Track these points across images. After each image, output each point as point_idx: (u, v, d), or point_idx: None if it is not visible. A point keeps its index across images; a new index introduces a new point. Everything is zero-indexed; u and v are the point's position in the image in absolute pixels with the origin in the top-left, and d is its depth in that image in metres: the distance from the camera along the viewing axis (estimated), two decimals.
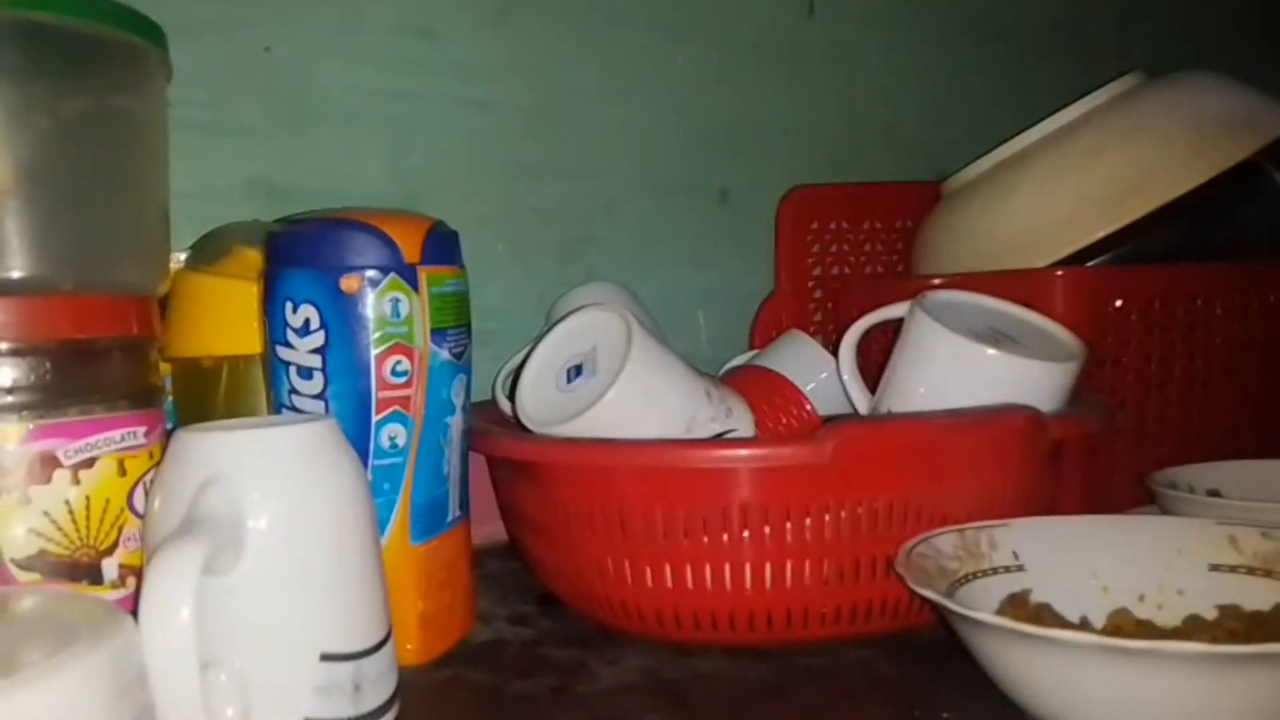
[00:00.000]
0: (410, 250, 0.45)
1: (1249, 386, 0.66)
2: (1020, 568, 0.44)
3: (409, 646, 0.46)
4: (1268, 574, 0.42)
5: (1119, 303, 0.62)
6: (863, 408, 0.57)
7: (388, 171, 0.69)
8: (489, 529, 0.62)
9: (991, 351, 0.48)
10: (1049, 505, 0.51)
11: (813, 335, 0.78)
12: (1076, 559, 0.44)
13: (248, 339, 0.52)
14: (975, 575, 0.44)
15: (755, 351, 0.71)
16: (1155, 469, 0.58)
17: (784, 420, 0.55)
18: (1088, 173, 0.62)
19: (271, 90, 0.65)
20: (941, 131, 0.87)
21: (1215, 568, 0.44)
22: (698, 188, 0.80)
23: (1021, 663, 0.36)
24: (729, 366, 0.70)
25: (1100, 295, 0.61)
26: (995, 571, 0.44)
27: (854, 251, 0.83)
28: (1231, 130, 0.64)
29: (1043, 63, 0.92)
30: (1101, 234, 0.61)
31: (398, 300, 0.45)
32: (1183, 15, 1.01)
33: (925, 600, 0.39)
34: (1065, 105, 0.68)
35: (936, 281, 0.66)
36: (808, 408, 0.56)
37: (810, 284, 0.81)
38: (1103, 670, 0.33)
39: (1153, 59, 0.96)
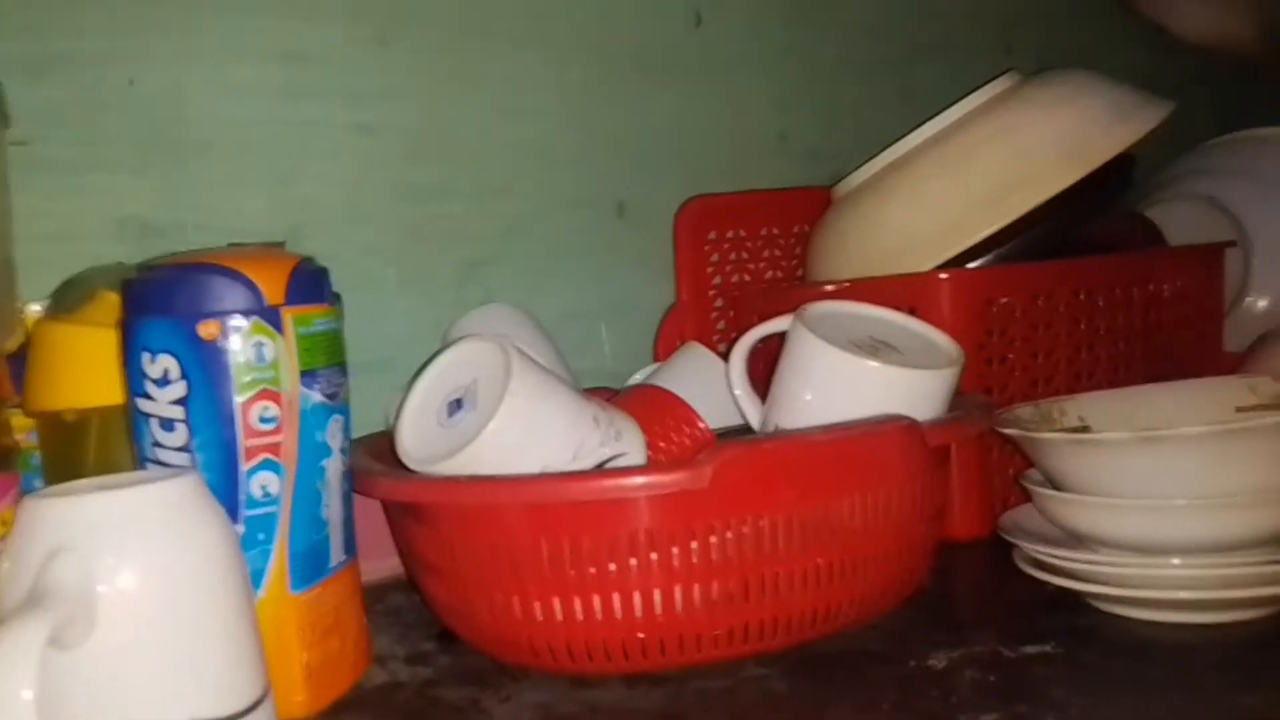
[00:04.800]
0: (273, 291, 0.44)
1: (1133, 376, 0.68)
2: (1086, 428, 0.55)
3: (297, 699, 0.45)
4: (1278, 407, 0.53)
5: (1004, 301, 0.63)
6: (754, 421, 0.57)
7: (270, 203, 0.67)
8: (393, 561, 0.60)
9: (870, 364, 0.49)
10: (939, 508, 0.52)
11: (716, 343, 0.79)
12: (1131, 419, 0.54)
13: (116, 389, 0.50)
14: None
15: (655, 366, 0.71)
16: None
17: (675, 439, 0.55)
18: (967, 174, 0.63)
19: (138, 124, 0.63)
20: (834, 136, 0.88)
21: (1240, 409, 0.54)
22: (594, 203, 0.79)
23: (1077, 463, 0.49)
24: (630, 383, 0.70)
25: (985, 295, 0.63)
26: (1065, 430, 0.55)
27: (753, 259, 0.83)
28: (1104, 126, 0.65)
29: (931, 63, 0.94)
30: (982, 234, 0.62)
31: (261, 344, 0.43)
32: (1064, 13, 1.03)
33: (1009, 439, 0.53)
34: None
35: (828, 289, 0.66)
36: (700, 425, 0.56)
37: (711, 293, 0.81)
38: (1137, 458, 0.46)
39: (1037, 54, 0.99)
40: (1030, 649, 0.46)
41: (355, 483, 0.48)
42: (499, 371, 0.47)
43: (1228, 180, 0.87)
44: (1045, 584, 0.50)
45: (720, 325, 0.81)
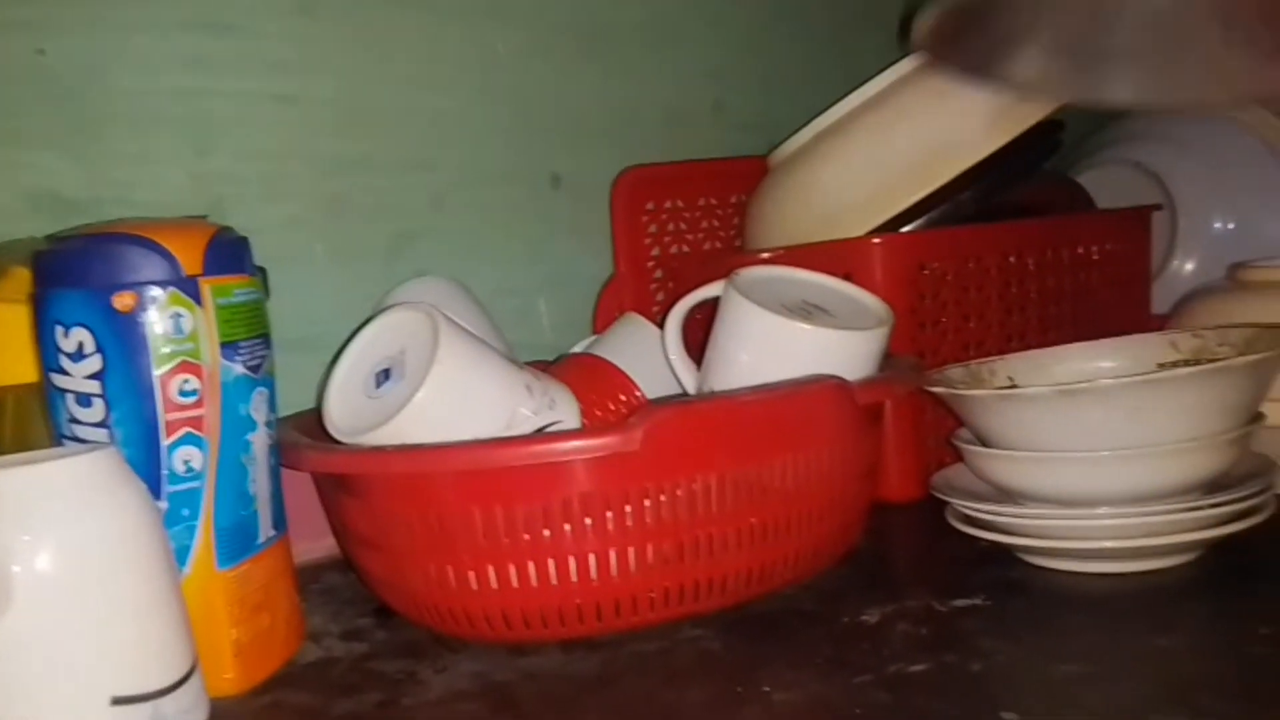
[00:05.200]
0: (190, 261, 0.43)
1: (1063, 338, 0.69)
2: (1015, 387, 0.57)
3: (227, 676, 0.44)
4: (1198, 361, 0.54)
5: (935, 265, 0.64)
6: (690, 387, 0.57)
7: (190, 176, 0.65)
8: (330, 541, 0.60)
9: (801, 325, 0.49)
10: (871, 467, 0.52)
11: (655, 315, 0.78)
12: (1058, 377, 0.54)
13: (29, 366, 0.48)
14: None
15: (593, 338, 0.71)
16: None
17: (611, 407, 0.55)
18: (897, 140, 0.64)
19: (49, 96, 0.61)
20: (769, 106, 0.88)
21: (1162, 365, 0.56)
22: (528, 175, 0.78)
23: (1002, 419, 0.49)
24: (568, 355, 0.69)
25: (916, 259, 0.63)
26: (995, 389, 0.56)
27: (691, 229, 0.83)
28: None
29: (864, 33, 0.94)
30: (912, 199, 0.63)
31: (179, 316, 0.42)
32: None
33: (939, 398, 0.53)
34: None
35: (764, 255, 0.67)
36: (636, 393, 0.56)
37: (650, 264, 0.81)
38: (1059, 412, 0.47)
39: None
40: (960, 602, 0.47)
41: (283, 457, 0.47)
42: (427, 340, 0.46)
43: (1155, 145, 0.89)
44: (977, 540, 0.51)
45: (659, 296, 0.81)
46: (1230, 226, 0.86)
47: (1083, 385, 0.45)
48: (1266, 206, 0.84)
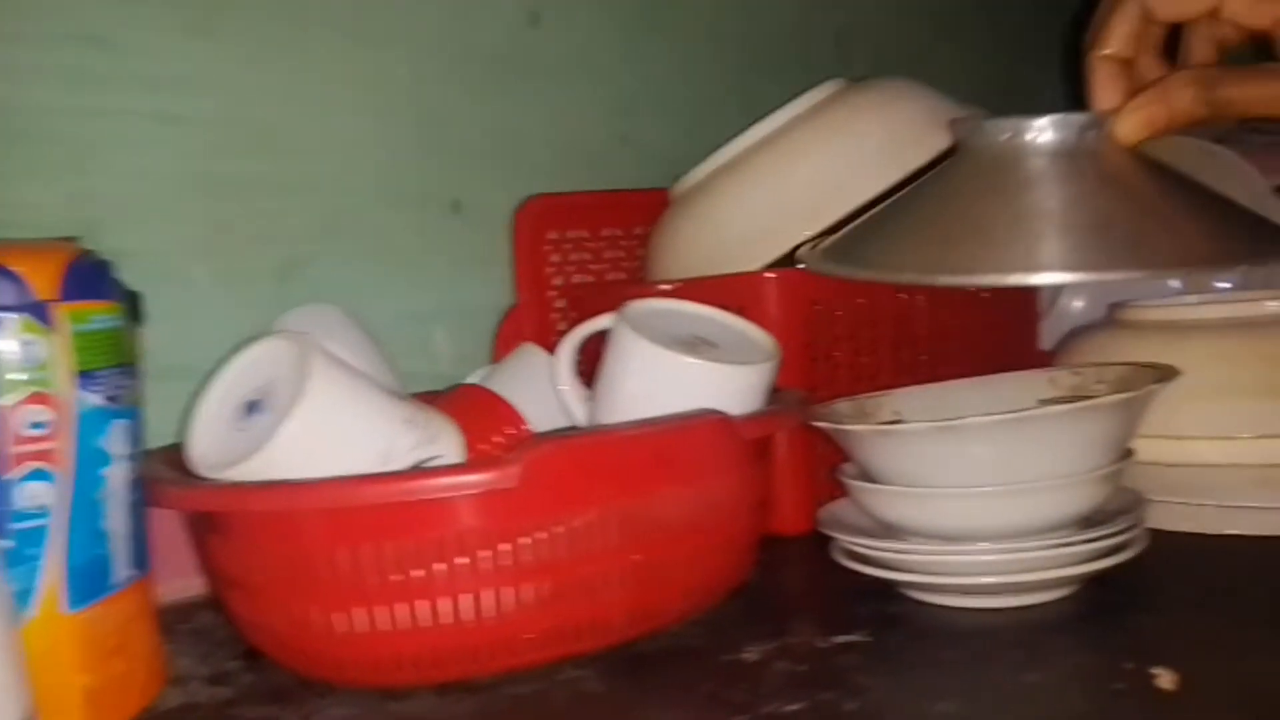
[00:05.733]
0: (44, 285, 0.41)
1: (955, 374, 0.70)
2: (899, 420, 0.58)
3: None
4: (1076, 398, 0.54)
5: (828, 300, 0.65)
6: (580, 419, 0.56)
7: (65, 196, 0.62)
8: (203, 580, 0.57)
9: (686, 359, 0.49)
10: (759, 502, 0.52)
11: (556, 345, 0.77)
12: (942, 412, 0.53)
13: None
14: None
15: (489, 368, 0.70)
16: None
17: (497, 440, 0.54)
18: (790, 177, 0.64)
19: None
20: (676, 139, 0.89)
21: (1043, 401, 0.57)
22: (428, 200, 0.77)
23: (883, 454, 0.50)
24: (458, 386, 0.68)
25: (809, 294, 0.64)
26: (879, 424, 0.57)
27: (595, 260, 0.83)
28: (922, 132, 0.67)
29: (767, 70, 0.96)
30: (806, 235, 0.63)
31: (30, 343, 0.40)
32: (894, 24, 1.07)
33: (824, 431, 0.53)
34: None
35: (662, 288, 0.66)
36: (523, 426, 0.55)
37: (551, 294, 0.80)
38: (937, 447, 0.48)
39: (872, 63, 1.02)
40: (841, 638, 0.47)
41: (146, 493, 0.45)
42: (297, 370, 0.44)
43: None
44: (861, 575, 0.51)
45: (561, 326, 0.80)
46: None
47: (958, 422, 0.46)
48: None
